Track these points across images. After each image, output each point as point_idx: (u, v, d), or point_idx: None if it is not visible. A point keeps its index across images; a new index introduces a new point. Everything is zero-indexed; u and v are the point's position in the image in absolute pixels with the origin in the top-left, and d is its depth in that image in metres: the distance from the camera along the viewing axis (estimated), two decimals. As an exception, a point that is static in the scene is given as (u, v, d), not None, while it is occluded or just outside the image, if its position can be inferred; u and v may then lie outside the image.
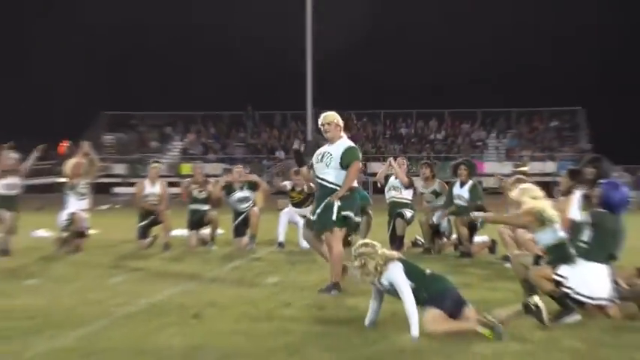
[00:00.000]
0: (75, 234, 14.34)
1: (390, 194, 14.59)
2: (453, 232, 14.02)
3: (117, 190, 41.29)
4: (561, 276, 7.70)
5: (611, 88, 63.71)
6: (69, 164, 14.92)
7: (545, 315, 7.18)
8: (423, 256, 13.50)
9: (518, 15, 68.03)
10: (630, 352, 6.48)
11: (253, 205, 15.31)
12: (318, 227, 9.62)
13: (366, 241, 7.73)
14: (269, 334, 7.12)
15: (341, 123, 9.90)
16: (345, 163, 9.55)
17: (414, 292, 7.12)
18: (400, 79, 66.39)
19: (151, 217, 15.13)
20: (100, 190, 17.23)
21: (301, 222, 14.55)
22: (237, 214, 15.35)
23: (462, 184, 13.62)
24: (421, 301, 7.09)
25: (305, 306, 8.44)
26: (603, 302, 7.69)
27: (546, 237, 8.01)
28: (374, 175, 43.05)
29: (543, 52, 68.90)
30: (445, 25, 67.15)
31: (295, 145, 13.56)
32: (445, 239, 14.11)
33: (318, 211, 9.52)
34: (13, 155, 14.17)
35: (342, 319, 7.77)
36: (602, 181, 8.26)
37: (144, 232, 15.11)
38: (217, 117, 57.21)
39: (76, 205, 14.58)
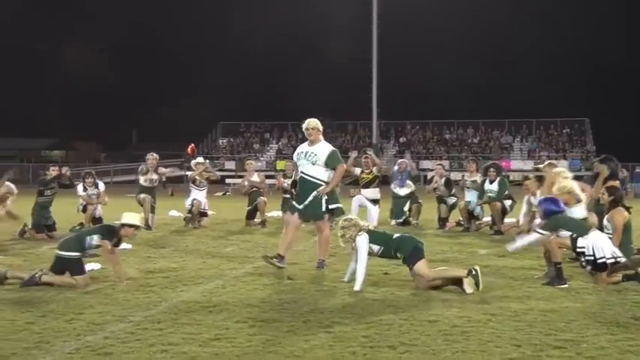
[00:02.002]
0: (199, 214, 14.50)
1: (437, 192, 14.59)
2: (484, 215, 13.94)
3: (228, 181, 41.69)
4: (581, 247, 7.55)
5: (610, 103, 62.79)
6: (193, 166, 15.26)
7: (480, 280, 7.06)
8: (464, 233, 13.31)
9: (542, 45, 66.97)
10: (633, 309, 6.25)
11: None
12: (307, 216, 8.92)
13: (347, 216, 7.91)
14: (346, 293, 7.07)
15: (320, 128, 9.04)
16: (330, 164, 8.86)
17: (383, 252, 7.48)
18: (444, 96, 66.05)
19: (255, 203, 15.14)
20: (216, 181, 17.34)
21: (369, 205, 14.40)
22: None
23: (492, 182, 13.46)
24: (392, 257, 7.47)
25: (374, 271, 8.33)
26: (614, 259, 7.42)
27: (577, 212, 7.82)
28: (425, 170, 43.04)
29: (558, 74, 67.74)
30: (482, 54, 66.36)
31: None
32: (480, 221, 13.92)
33: (306, 202, 8.70)
34: (155, 156, 14.43)
35: (378, 281, 7.68)
36: (541, 198, 8.37)
37: (251, 214, 15.15)
38: (304, 125, 56.89)
39: (197, 193, 14.76)
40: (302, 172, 8.96)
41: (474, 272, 7.08)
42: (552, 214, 7.77)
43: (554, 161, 11.54)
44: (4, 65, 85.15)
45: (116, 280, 7.59)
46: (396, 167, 15.73)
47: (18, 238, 12.17)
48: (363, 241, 7.44)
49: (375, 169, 14.61)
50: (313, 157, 8.87)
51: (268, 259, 8.55)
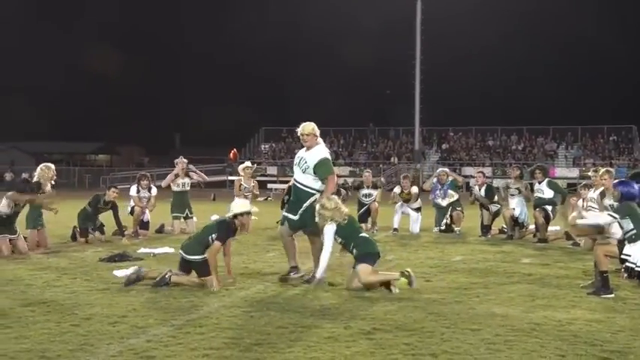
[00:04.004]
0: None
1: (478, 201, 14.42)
2: (529, 222, 13.70)
3: (270, 186, 41.95)
4: (627, 254, 7.37)
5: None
6: (240, 171, 15.58)
7: (414, 280, 7.45)
8: (507, 241, 13.13)
9: (589, 51, 65.91)
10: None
11: (374, 200, 15.24)
12: (302, 225, 8.33)
13: (331, 199, 7.94)
14: (387, 300, 7.03)
15: (317, 132, 8.34)
16: (319, 174, 8.19)
17: (345, 245, 7.87)
18: (487, 102, 65.49)
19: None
20: (259, 186, 17.39)
21: (412, 213, 14.65)
22: (361, 205, 15.32)
23: (540, 182, 13.30)
24: (350, 251, 7.80)
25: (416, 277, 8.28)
26: None
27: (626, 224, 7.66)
28: (467, 177, 42.74)
29: (605, 81, 66.64)
30: (527, 60, 65.57)
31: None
32: (524, 228, 13.72)
33: (301, 211, 8.21)
34: (184, 160, 14.78)
35: (420, 288, 7.60)
36: (616, 181, 8.11)
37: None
38: (347, 131, 57.29)
39: (242, 199, 14.87)
40: (295, 180, 8.48)
41: (406, 273, 7.43)
42: (630, 199, 7.51)
43: (610, 168, 11.38)
44: (52, 70, 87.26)
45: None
46: (435, 178, 15.33)
47: (70, 241, 12.45)
48: (329, 230, 7.77)
49: (412, 189, 15.03)
50: (304, 164, 8.30)
51: (285, 277, 8.24)
